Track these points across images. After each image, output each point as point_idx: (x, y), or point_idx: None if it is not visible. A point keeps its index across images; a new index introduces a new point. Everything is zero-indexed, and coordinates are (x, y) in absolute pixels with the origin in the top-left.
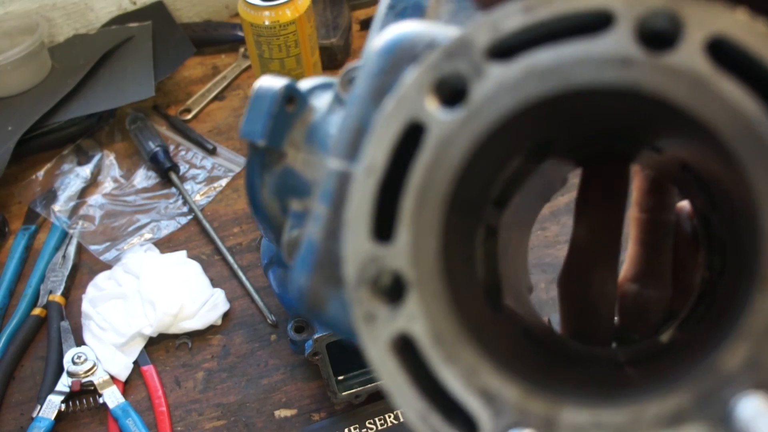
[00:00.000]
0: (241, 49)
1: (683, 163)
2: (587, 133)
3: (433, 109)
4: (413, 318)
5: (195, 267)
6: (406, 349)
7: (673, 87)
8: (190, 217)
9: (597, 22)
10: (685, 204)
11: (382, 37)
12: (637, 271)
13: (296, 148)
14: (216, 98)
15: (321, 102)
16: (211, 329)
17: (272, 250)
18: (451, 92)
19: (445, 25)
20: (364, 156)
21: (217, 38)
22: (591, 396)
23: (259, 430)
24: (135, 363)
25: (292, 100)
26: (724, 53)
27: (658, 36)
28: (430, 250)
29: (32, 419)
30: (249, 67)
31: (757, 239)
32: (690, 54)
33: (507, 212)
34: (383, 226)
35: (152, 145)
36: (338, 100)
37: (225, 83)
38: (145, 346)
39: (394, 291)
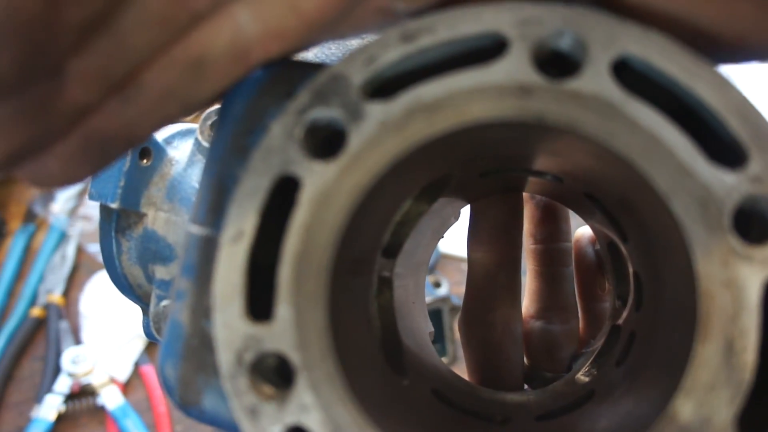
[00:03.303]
0: None
1: (587, 193)
2: (483, 166)
3: (305, 161)
4: (305, 409)
5: None
6: None
7: (581, 116)
8: None
9: (490, 49)
10: (584, 230)
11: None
12: (539, 306)
13: (156, 207)
14: None
15: (181, 152)
16: None
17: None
18: (327, 137)
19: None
20: (229, 220)
21: None
22: None
23: None
24: (135, 363)
25: (146, 152)
26: (631, 75)
27: (560, 59)
28: (318, 326)
29: (31, 420)
30: None
31: (692, 283)
32: (597, 78)
33: (400, 258)
34: (260, 302)
35: None
36: (200, 149)
37: None
38: (145, 347)
39: (281, 375)
